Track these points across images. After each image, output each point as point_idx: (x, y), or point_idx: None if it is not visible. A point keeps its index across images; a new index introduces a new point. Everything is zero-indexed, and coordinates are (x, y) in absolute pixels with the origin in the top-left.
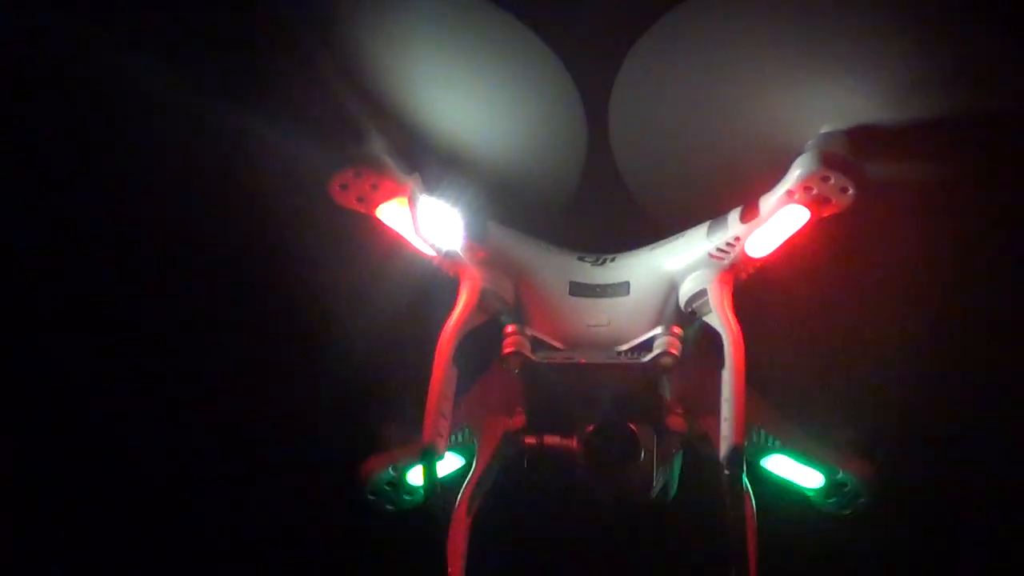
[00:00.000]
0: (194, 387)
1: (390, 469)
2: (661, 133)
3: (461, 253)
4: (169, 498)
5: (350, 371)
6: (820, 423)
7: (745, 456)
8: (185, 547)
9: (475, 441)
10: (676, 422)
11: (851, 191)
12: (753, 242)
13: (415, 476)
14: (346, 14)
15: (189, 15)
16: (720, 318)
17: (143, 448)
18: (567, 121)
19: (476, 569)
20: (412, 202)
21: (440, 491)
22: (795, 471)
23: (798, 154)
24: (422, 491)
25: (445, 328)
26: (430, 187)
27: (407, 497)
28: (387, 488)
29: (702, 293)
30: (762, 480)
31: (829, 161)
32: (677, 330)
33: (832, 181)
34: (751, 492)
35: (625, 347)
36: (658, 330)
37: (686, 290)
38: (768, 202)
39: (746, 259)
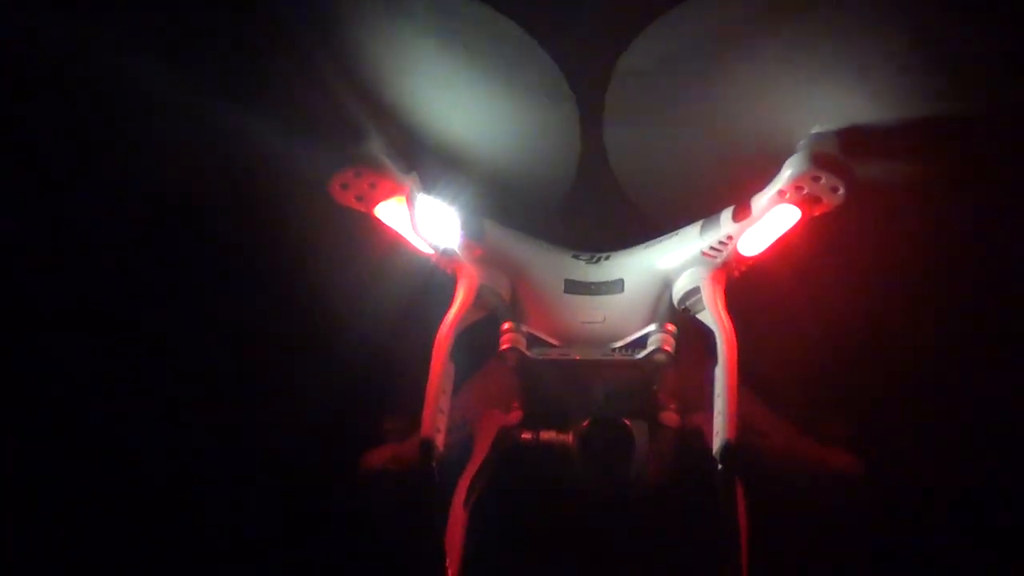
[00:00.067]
0: (194, 387)
1: (389, 462)
2: (655, 134)
3: (458, 251)
4: (169, 498)
5: (348, 368)
6: (809, 418)
7: (737, 451)
8: (185, 547)
9: (473, 435)
10: (669, 417)
11: (841, 191)
12: (745, 241)
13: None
14: (346, 17)
15: (189, 15)
16: (713, 315)
17: (143, 448)
18: (562, 122)
19: (472, 560)
20: (410, 201)
21: (438, 483)
22: None
23: (789, 154)
24: (420, 484)
25: (443, 325)
26: (428, 186)
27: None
28: (386, 480)
29: (695, 291)
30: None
31: (820, 161)
32: (671, 327)
33: (823, 181)
34: (743, 486)
35: (619, 344)
36: (652, 327)
37: (679, 288)
38: (760, 201)
39: (738, 257)
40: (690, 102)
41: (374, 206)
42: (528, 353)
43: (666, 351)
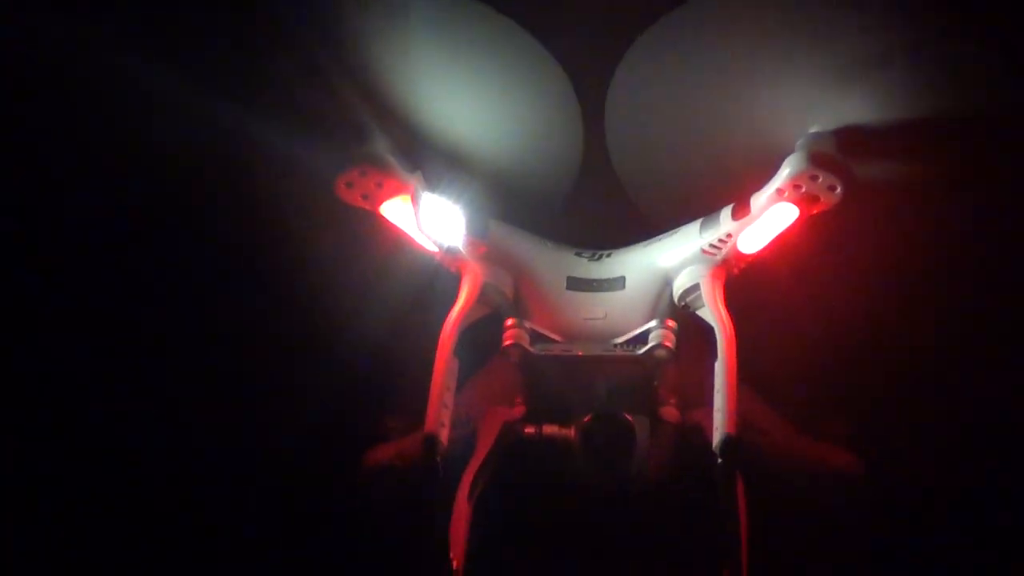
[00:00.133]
0: (196, 385)
1: (393, 458)
2: (655, 133)
3: (462, 249)
4: (169, 498)
5: (352, 365)
6: (808, 416)
7: (737, 445)
8: (185, 547)
9: (476, 431)
10: (670, 413)
11: (839, 189)
12: (744, 239)
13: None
14: (349, 17)
15: (189, 15)
16: (712, 312)
17: (143, 448)
18: (564, 121)
19: (476, 553)
20: (415, 199)
21: (442, 478)
22: None
23: (788, 154)
24: (425, 478)
25: (447, 321)
26: (432, 185)
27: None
28: (389, 475)
29: (695, 288)
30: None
31: (817, 160)
32: (671, 323)
33: (820, 180)
34: (743, 481)
35: (621, 340)
36: (653, 323)
37: (679, 285)
38: (759, 200)
39: (738, 255)
40: (690, 102)
41: (379, 205)
42: (531, 349)
43: (667, 347)
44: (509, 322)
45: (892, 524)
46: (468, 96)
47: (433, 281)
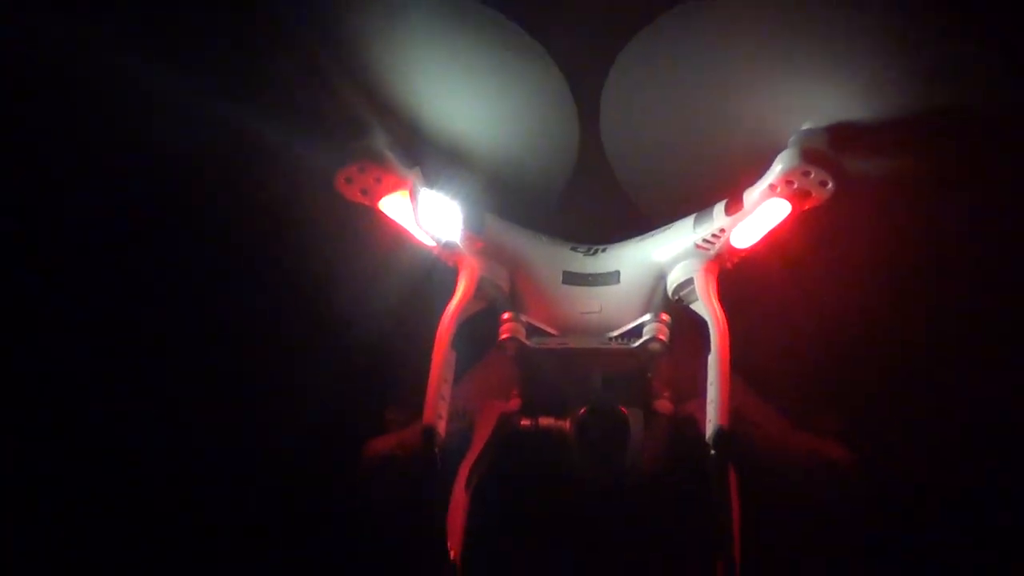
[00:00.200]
0: (195, 382)
1: (393, 448)
2: (650, 130)
3: (460, 244)
4: (169, 498)
5: (352, 359)
6: (801, 410)
7: (730, 437)
8: (185, 547)
9: (474, 422)
10: (664, 405)
11: (830, 185)
12: (737, 234)
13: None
14: (348, 16)
15: (189, 15)
16: (706, 306)
17: (143, 448)
18: (560, 118)
19: (474, 541)
20: (413, 195)
21: (440, 468)
22: None
23: (780, 150)
24: (423, 469)
25: (444, 315)
26: (430, 180)
27: (408, 475)
28: (389, 466)
29: (689, 282)
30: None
31: (809, 156)
32: (665, 317)
33: (812, 175)
34: (736, 472)
35: (616, 333)
36: (647, 317)
37: (674, 279)
38: (752, 195)
39: (731, 250)
40: (684, 100)
41: (378, 200)
42: (527, 342)
43: (661, 340)
44: (505, 316)
45: (884, 518)
46: (466, 93)
47: (431, 275)
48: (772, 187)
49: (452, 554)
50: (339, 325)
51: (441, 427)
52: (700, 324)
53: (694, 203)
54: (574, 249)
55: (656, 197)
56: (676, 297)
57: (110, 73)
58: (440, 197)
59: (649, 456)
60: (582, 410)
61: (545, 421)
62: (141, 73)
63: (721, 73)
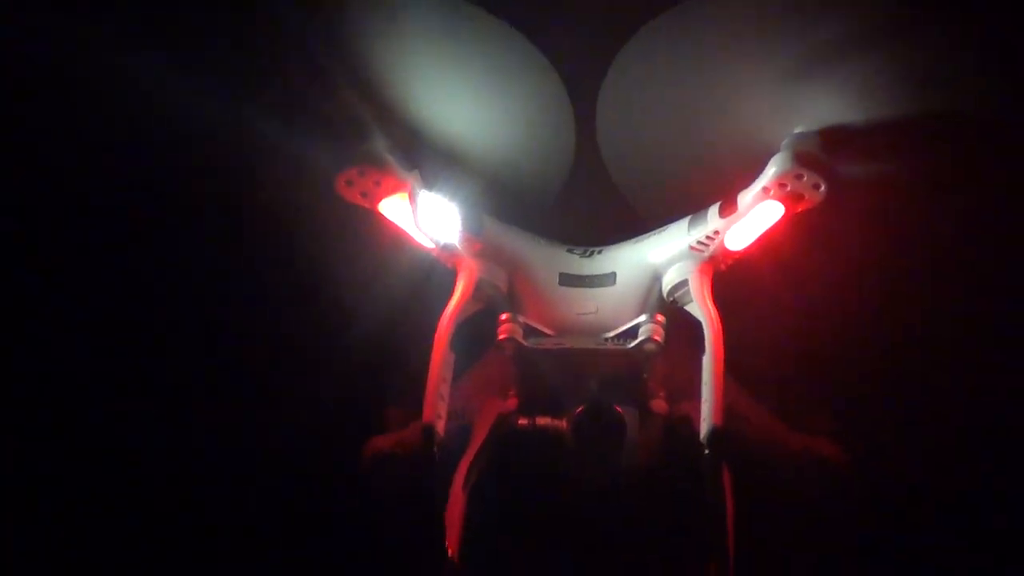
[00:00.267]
0: (197, 381)
1: (392, 447)
2: (646, 132)
3: (458, 246)
4: (169, 498)
5: (352, 359)
6: (794, 410)
7: (724, 437)
8: (185, 547)
9: (472, 422)
10: (659, 405)
11: (823, 188)
12: (731, 236)
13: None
14: (348, 21)
15: (189, 15)
16: (700, 307)
17: (143, 448)
18: (557, 121)
19: (471, 539)
20: (412, 197)
21: (439, 467)
22: None
23: (774, 153)
24: (422, 467)
25: (443, 316)
26: (429, 183)
27: (407, 473)
28: (389, 464)
29: (683, 283)
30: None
31: (802, 159)
32: (660, 318)
33: (805, 178)
34: (730, 471)
35: (611, 334)
36: (642, 318)
37: (668, 280)
38: (746, 198)
39: (725, 252)
40: (680, 103)
41: (378, 202)
42: (524, 343)
43: (656, 341)
44: (503, 317)
45: (876, 517)
46: (464, 96)
47: (429, 277)
48: (766, 190)
49: (450, 552)
50: (340, 325)
51: (440, 426)
52: (695, 325)
53: (689, 205)
54: (571, 251)
55: (651, 199)
56: (671, 298)
57: (110, 73)
58: (439, 199)
59: (644, 455)
60: (579, 410)
61: (542, 421)
62: (141, 73)
63: (715, 76)
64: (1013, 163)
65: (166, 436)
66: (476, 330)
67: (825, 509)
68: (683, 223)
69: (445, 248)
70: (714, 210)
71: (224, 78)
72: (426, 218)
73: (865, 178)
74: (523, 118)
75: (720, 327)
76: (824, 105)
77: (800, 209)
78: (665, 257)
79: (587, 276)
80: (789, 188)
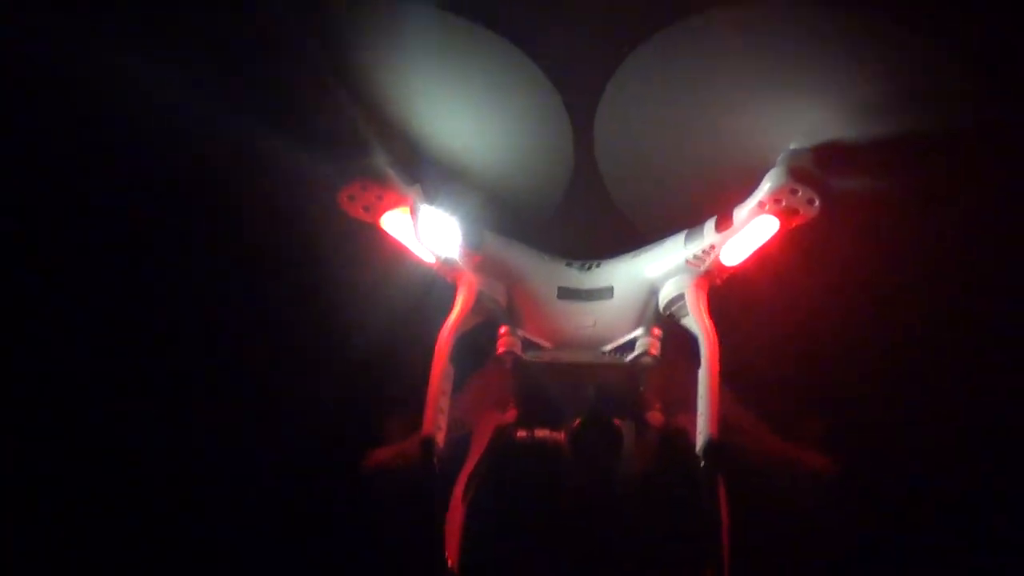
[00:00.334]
0: (200, 388)
1: (393, 459)
2: (643, 148)
3: (459, 259)
4: (169, 498)
5: (353, 371)
6: (787, 421)
7: (720, 448)
8: (185, 547)
9: (471, 433)
10: (655, 417)
11: (817, 203)
12: (727, 250)
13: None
14: (352, 41)
15: (190, 15)
16: (696, 321)
17: (143, 448)
18: (556, 136)
19: (470, 548)
20: (413, 212)
21: (438, 478)
22: None
23: (769, 168)
24: (422, 478)
25: (443, 329)
26: (430, 197)
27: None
28: (389, 475)
29: (680, 297)
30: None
31: (797, 175)
32: (657, 332)
33: (800, 194)
34: (725, 482)
35: (609, 347)
36: (639, 331)
37: (665, 294)
38: (741, 213)
39: (720, 266)
40: (677, 119)
41: (379, 216)
42: (523, 356)
43: (652, 354)
44: (503, 330)
45: (868, 524)
46: (465, 112)
47: (430, 290)
48: (761, 204)
49: (450, 562)
50: (342, 338)
51: (440, 438)
52: (691, 338)
53: (685, 220)
54: (569, 265)
55: (649, 213)
56: (667, 312)
57: (110, 73)
58: (439, 214)
59: (641, 466)
60: (576, 422)
61: (541, 432)
62: (141, 73)
63: (711, 94)
64: (1003, 178)
65: (166, 436)
66: (476, 343)
67: (817, 518)
68: (679, 237)
69: (446, 262)
70: (710, 224)
71: (223, 80)
72: (427, 232)
73: (858, 193)
74: (523, 133)
75: (716, 341)
76: (819, 121)
77: (795, 224)
78: (662, 271)
79: (585, 290)
80: (784, 203)
